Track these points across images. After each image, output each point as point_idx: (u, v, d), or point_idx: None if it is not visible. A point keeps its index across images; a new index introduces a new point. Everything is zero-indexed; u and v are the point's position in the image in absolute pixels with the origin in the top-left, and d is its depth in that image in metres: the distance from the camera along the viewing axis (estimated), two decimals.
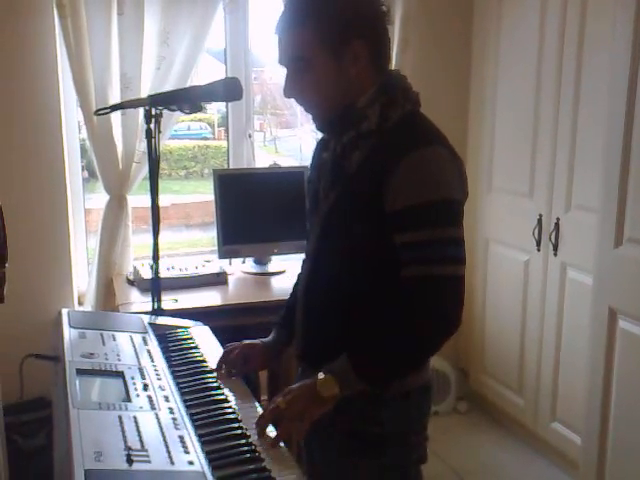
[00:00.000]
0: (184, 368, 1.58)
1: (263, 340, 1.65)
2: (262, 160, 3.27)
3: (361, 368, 1.33)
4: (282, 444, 1.28)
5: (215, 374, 1.56)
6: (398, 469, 1.46)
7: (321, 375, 1.33)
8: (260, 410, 1.43)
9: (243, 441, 1.27)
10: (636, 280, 2.21)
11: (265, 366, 1.69)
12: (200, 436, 1.24)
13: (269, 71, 4.14)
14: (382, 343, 1.34)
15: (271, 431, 1.31)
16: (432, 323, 1.32)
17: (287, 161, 4.15)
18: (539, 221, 2.91)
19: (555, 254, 2.85)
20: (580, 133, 2.68)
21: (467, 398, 3.54)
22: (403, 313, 1.32)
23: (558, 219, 2.81)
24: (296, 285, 1.66)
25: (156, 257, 2.02)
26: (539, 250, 2.93)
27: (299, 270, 1.65)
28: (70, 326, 1.65)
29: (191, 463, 1.13)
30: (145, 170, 2.73)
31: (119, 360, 1.50)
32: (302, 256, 1.63)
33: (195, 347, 1.72)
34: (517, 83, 3.03)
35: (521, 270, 3.07)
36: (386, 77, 1.42)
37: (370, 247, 1.36)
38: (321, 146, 1.53)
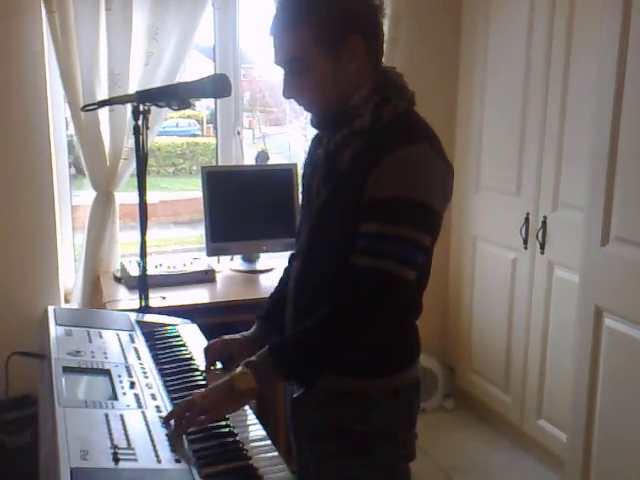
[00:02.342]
0: (171, 366, 1.58)
1: (244, 334, 1.63)
2: (251, 157, 3.26)
3: (280, 360, 1.31)
4: (269, 442, 1.28)
5: (204, 374, 1.55)
6: (387, 467, 1.46)
7: (239, 369, 1.31)
8: (247, 408, 1.43)
9: (230, 439, 1.27)
10: (622, 278, 2.22)
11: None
12: (187, 434, 1.24)
13: (258, 68, 4.12)
14: (304, 334, 1.33)
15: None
16: (359, 318, 1.29)
17: (276, 158, 4.13)
18: (526, 219, 2.92)
19: (542, 252, 2.86)
20: (567, 132, 2.69)
21: (454, 395, 3.55)
22: (335, 303, 1.30)
23: (545, 217, 2.82)
24: (282, 279, 1.66)
25: (144, 254, 2.02)
26: (526, 248, 2.95)
27: (286, 264, 1.65)
28: (56, 323, 1.64)
29: (178, 461, 1.13)
30: (133, 167, 2.72)
31: (106, 358, 1.49)
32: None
33: (183, 345, 1.72)
34: (505, 82, 3.04)
35: (508, 268, 3.08)
36: (381, 74, 1.41)
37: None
38: (316, 143, 1.53)
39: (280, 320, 1.55)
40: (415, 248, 1.30)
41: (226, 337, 1.62)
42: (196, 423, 1.26)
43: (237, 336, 1.62)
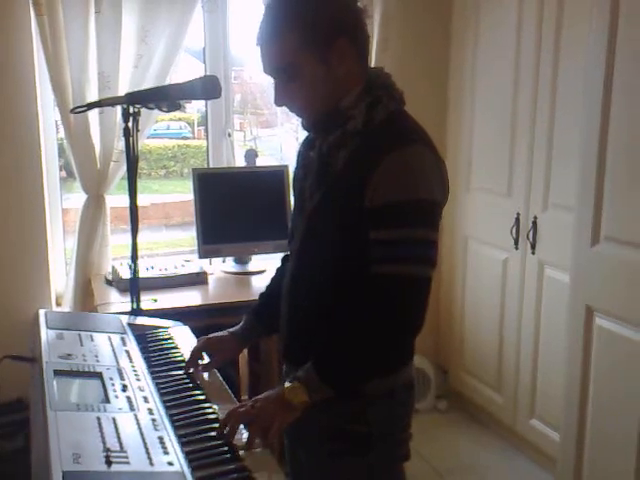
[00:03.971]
0: (163, 368, 1.57)
1: (230, 330, 1.66)
2: (242, 160, 3.27)
3: (326, 375, 1.33)
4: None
5: (185, 371, 1.58)
6: (383, 467, 1.46)
7: (287, 384, 1.33)
8: None
9: (223, 441, 1.26)
10: (612, 278, 2.23)
11: (230, 356, 1.70)
12: (180, 437, 1.24)
13: (249, 70, 4.13)
14: (345, 348, 1.34)
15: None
16: (395, 323, 1.32)
17: (267, 160, 4.13)
18: (517, 220, 2.93)
19: (533, 252, 2.87)
20: (557, 133, 2.70)
21: (447, 396, 3.56)
22: (368, 312, 1.32)
23: (536, 218, 2.84)
24: (273, 278, 1.68)
25: (135, 257, 2.01)
26: (517, 249, 2.96)
27: (278, 264, 1.67)
28: (47, 327, 1.63)
29: (170, 464, 1.12)
30: (123, 169, 2.71)
31: (97, 361, 1.48)
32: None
33: (175, 347, 1.71)
34: (495, 83, 3.05)
35: (499, 268, 3.09)
36: (370, 75, 1.42)
37: (354, 246, 1.36)
38: (307, 145, 1.53)
39: (269, 318, 1.58)
40: (429, 246, 1.33)
41: (211, 335, 1.66)
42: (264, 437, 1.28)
43: (222, 333, 1.66)
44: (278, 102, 1.43)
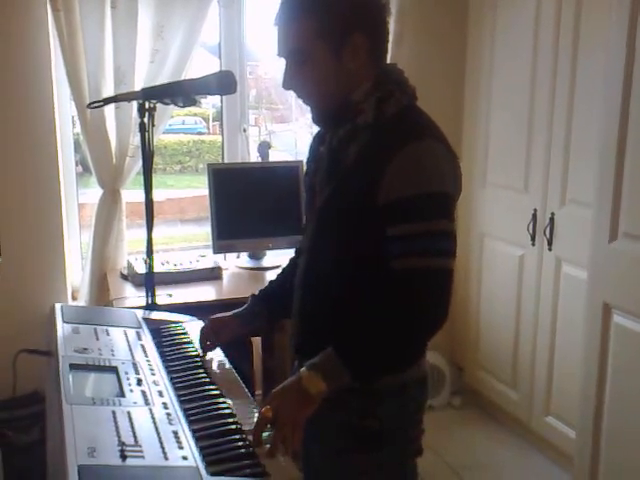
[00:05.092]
0: (178, 363, 1.58)
1: (234, 311, 1.70)
2: (255, 152, 3.27)
3: (350, 361, 1.30)
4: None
5: (200, 358, 1.62)
6: (395, 462, 1.45)
7: (304, 372, 1.30)
8: (254, 405, 1.43)
9: (237, 436, 1.26)
10: (631, 275, 2.21)
11: (231, 335, 1.70)
12: (194, 431, 1.24)
13: (264, 66, 4.13)
14: (371, 335, 1.33)
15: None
16: (421, 316, 1.31)
17: (282, 156, 4.13)
18: (534, 216, 2.91)
19: (550, 249, 2.85)
20: (575, 127, 2.68)
21: (462, 392, 3.54)
22: (392, 305, 1.31)
23: (553, 214, 2.81)
24: (285, 269, 1.71)
25: (150, 252, 2.02)
26: (534, 245, 2.94)
27: (293, 255, 1.69)
28: (63, 321, 1.65)
29: (185, 458, 1.13)
30: (139, 164, 2.72)
31: (113, 355, 1.49)
32: None
33: (189, 342, 1.72)
34: (512, 78, 3.02)
35: (516, 265, 3.07)
36: (382, 70, 1.42)
37: (365, 241, 1.36)
38: (318, 140, 1.53)
39: (273, 303, 1.64)
40: (446, 237, 1.32)
41: (215, 316, 1.70)
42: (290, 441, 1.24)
43: (227, 313, 1.70)
44: (286, 85, 1.44)
